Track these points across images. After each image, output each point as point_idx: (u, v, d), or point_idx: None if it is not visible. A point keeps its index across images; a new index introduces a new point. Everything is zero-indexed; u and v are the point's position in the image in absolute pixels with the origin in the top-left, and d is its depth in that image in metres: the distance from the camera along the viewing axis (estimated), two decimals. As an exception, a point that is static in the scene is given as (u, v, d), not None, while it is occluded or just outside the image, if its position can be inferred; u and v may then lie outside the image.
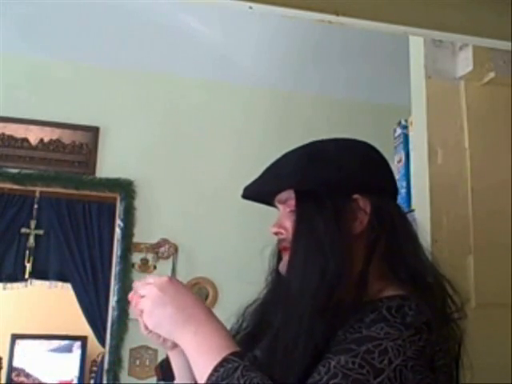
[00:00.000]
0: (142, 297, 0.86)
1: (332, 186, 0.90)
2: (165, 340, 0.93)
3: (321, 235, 0.86)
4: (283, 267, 0.92)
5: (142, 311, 0.86)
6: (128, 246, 2.98)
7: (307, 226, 0.88)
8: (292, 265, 0.88)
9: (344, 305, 0.82)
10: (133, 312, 0.92)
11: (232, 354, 0.77)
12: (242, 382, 0.73)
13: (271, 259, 1.00)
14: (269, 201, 0.99)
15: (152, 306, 0.84)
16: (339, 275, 0.83)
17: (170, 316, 0.83)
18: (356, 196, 0.90)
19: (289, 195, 0.93)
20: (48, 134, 3.03)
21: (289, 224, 0.92)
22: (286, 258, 0.92)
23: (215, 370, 0.75)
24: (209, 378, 0.75)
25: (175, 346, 0.93)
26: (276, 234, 0.95)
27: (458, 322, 0.89)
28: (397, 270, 0.89)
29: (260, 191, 0.98)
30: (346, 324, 0.80)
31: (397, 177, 1.59)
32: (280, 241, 0.95)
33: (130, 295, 0.90)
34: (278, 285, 0.95)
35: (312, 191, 0.89)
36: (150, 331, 0.90)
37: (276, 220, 0.96)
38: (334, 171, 0.90)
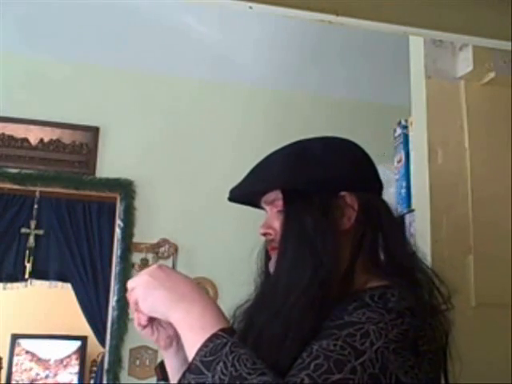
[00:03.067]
0: (133, 289, 0.87)
1: (319, 185, 0.91)
2: (158, 339, 0.93)
3: (310, 232, 0.87)
4: (272, 267, 0.93)
5: (136, 302, 0.87)
6: (128, 246, 2.97)
7: (296, 224, 0.89)
8: (281, 262, 0.89)
9: (330, 298, 0.83)
10: (132, 311, 0.92)
11: (222, 330, 0.78)
12: (230, 357, 0.73)
13: (258, 261, 1.01)
14: (255, 202, 0.99)
15: (144, 291, 0.85)
16: (331, 271, 0.84)
17: (163, 297, 0.84)
18: (343, 193, 0.91)
19: (276, 195, 0.93)
20: (48, 134, 3.03)
21: (277, 224, 0.93)
22: (274, 257, 0.93)
23: (204, 345, 0.76)
24: (197, 353, 0.76)
25: (169, 345, 0.93)
26: (264, 234, 0.96)
27: (446, 314, 0.89)
28: (383, 265, 0.90)
29: (247, 193, 0.99)
30: (330, 314, 0.81)
31: (397, 177, 1.59)
32: (268, 241, 0.96)
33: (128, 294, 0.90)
34: (266, 285, 0.96)
35: (299, 190, 0.90)
36: (144, 327, 0.91)
37: (264, 221, 0.97)
38: (320, 170, 0.91)
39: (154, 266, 0.88)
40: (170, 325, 0.90)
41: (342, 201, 0.91)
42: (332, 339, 0.75)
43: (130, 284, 0.88)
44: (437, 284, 0.91)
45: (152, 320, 0.91)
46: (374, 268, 0.90)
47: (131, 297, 0.88)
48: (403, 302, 0.80)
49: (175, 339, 0.93)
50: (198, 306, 0.82)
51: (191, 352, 0.77)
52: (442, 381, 0.89)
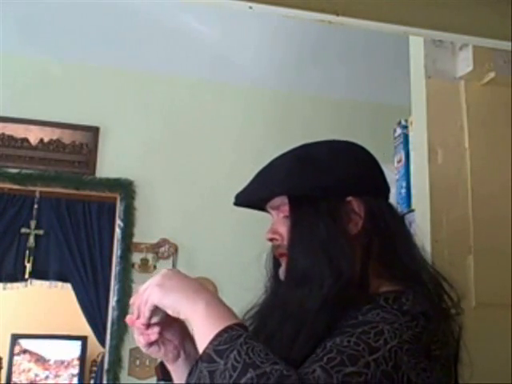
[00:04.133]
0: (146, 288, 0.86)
1: (325, 190, 0.90)
2: (166, 352, 0.92)
3: (324, 239, 0.86)
4: (283, 274, 0.92)
5: (146, 302, 0.85)
6: (128, 246, 2.98)
7: (305, 230, 0.88)
8: (293, 270, 0.88)
9: (346, 302, 0.82)
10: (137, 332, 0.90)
11: (236, 324, 0.78)
12: (244, 347, 0.73)
13: (267, 266, 1.00)
14: (261, 207, 0.99)
15: (162, 279, 0.84)
16: (350, 278, 0.84)
17: (180, 286, 0.83)
18: (349, 198, 0.90)
19: (282, 201, 0.93)
20: (48, 134, 3.03)
21: (283, 230, 0.92)
22: (284, 263, 0.92)
23: (219, 334, 0.75)
24: (211, 343, 0.75)
25: (177, 356, 0.92)
26: (271, 240, 0.95)
27: (456, 318, 0.89)
28: (392, 269, 0.90)
29: (252, 199, 0.98)
30: (344, 315, 0.82)
31: (397, 177, 1.59)
32: (275, 247, 0.95)
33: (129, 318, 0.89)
34: (276, 290, 0.95)
35: (306, 196, 0.90)
36: (150, 346, 0.90)
37: (270, 226, 0.96)
38: (326, 175, 0.91)
39: (165, 269, 0.88)
40: (174, 335, 0.91)
41: (348, 206, 0.90)
42: (346, 336, 0.75)
43: (144, 286, 0.87)
44: (446, 288, 0.91)
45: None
46: (384, 272, 0.89)
47: (142, 296, 0.85)
48: (418, 306, 0.81)
49: (182, 348, 0.92)
50: (214, 300, 0.82)
51: (204, 342, 0.76)
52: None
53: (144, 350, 0.91)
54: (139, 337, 0.90)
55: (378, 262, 0.90)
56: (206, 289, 0.85)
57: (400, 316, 0.78)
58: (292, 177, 0.92)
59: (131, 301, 0.89)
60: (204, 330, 0.78)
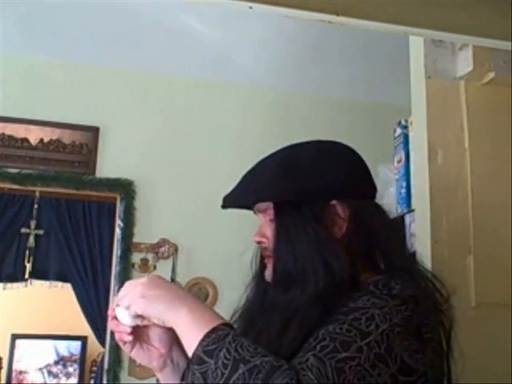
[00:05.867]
0: (124, 296, 0.86)
1: (309, 195, 0.91)
2: (151, 359, 0.92)
3: (313, 241, 0.87)
4: (269, 276, 0.94)
5: (128, 307, 0.85)
6: (128, 246, 2.97)
7: (289, 234, 0.89)
8: (278, 272, 0.89)
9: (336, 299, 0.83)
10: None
11: (222, 324, 0.79)
12: (233, 344, 0.74)
13: (253, 264, 1.01)
14: (248, 209, 1.00)
15: (141, 290, 0.84)
16: (344, 276, 0.85)
17: (162, 296, 0.83)
18: (334, 202, 0.91)
19: (268, 205, 0.94)
20: (48, 134, 3.03)
21: (270, 233, 0.94)
22: (270, 266, 0.93)
23: (206, 335, 0.77)
24: (199, 344, 0.76)
25: (163, 364, 0.93)
26: (259, 242, 0.97)
27: (447, 313, 0.90)
28: (380, 267, 0.91)
29: (238, 204, 1.00)
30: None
31: (397, 177, 1.59)
32: (263, 249, 0.96)
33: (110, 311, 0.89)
34: (263, 291, 0.96)
35: (290, 201, 0.91)
36: (131, 348, 0.90)
37: (258, 229, 0.97)
38: (310, 180, 0.91)
39: (147, 275, 0.89)
40: (161, 343, 0.91)
41: (332, 210, 0.91)
42: (338, 323, 0.77)
43: (121, 293, 0.87)
44: (437, 286, 0.92)
45: (141, 341, 0.91)
46: (372, 268, 0.91)
47: (120, 302, 0.86)
48: (407, 290, 0.82)
49: (169, 358, 0.93)
50: (197, 305, 0.83)
51: (192, 346, 0.77)
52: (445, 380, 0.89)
53: (127, 351, 0.92)
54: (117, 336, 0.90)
55: (367, 263, 0.91)
56: (187, 295, 0.86)
57: (390, 300, 0.80)
58: (276, 183, 0.92)
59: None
60: (190, 334, 0.79)
